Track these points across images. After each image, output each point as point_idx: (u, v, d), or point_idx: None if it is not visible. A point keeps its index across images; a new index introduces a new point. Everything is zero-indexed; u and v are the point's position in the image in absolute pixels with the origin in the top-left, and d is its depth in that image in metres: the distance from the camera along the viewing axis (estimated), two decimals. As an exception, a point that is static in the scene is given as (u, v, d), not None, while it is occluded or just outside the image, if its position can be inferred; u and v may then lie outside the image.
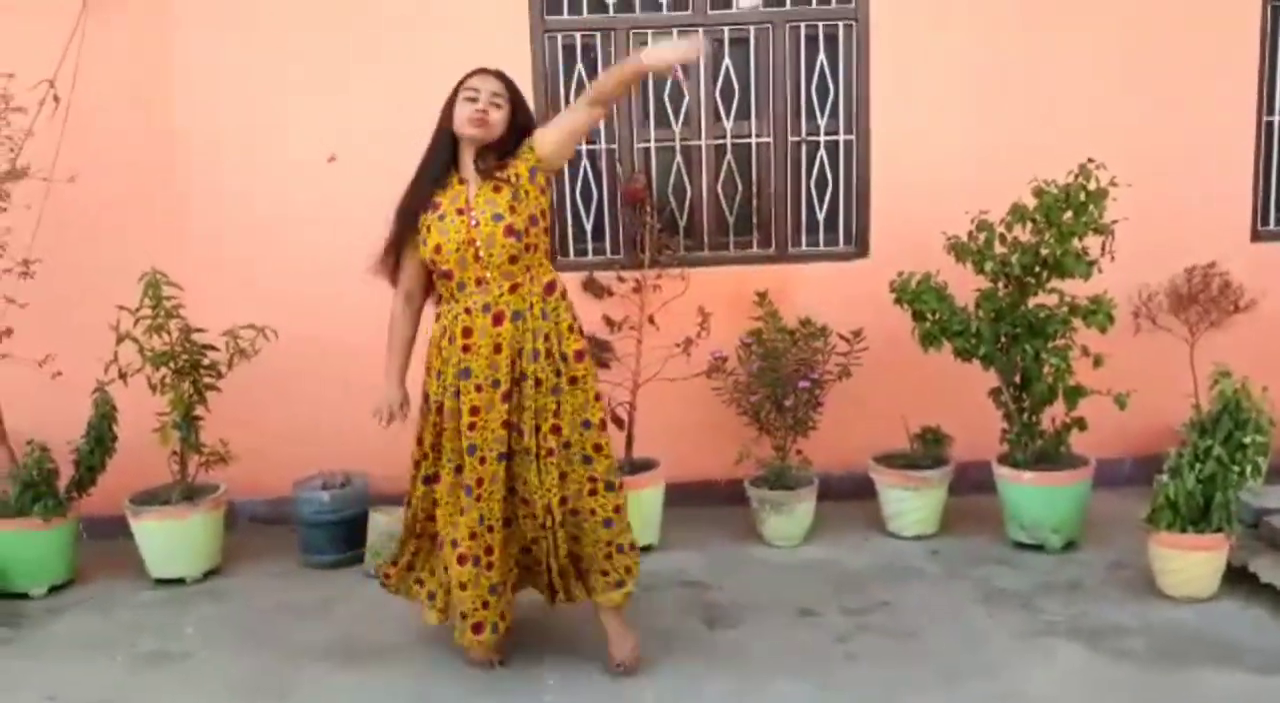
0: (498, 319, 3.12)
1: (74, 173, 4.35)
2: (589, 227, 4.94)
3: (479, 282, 3.13)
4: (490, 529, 3.19)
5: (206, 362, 4.29)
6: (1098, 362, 4.14)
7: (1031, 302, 4.25)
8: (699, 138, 4.84)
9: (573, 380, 3.19)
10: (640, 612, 3.64)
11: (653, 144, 4.87)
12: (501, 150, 3.19)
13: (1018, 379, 4.32)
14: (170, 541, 4.28)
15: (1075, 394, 4.22)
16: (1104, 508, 4.41)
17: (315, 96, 4.68)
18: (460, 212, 3.14)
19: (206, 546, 4.35)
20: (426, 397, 3.30)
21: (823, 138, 4.88)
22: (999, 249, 4.23)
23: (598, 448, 3.24)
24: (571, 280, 3.97)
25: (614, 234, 4.92)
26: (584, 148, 4.79)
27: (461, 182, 3.20)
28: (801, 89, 4.84)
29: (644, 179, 4.71)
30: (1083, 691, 3.18)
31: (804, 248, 4.93)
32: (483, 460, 3.15)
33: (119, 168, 4.60)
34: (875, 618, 3.73)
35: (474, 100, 3.13)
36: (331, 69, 4.67)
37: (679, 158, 4.88)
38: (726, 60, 4.80)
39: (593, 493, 3.25)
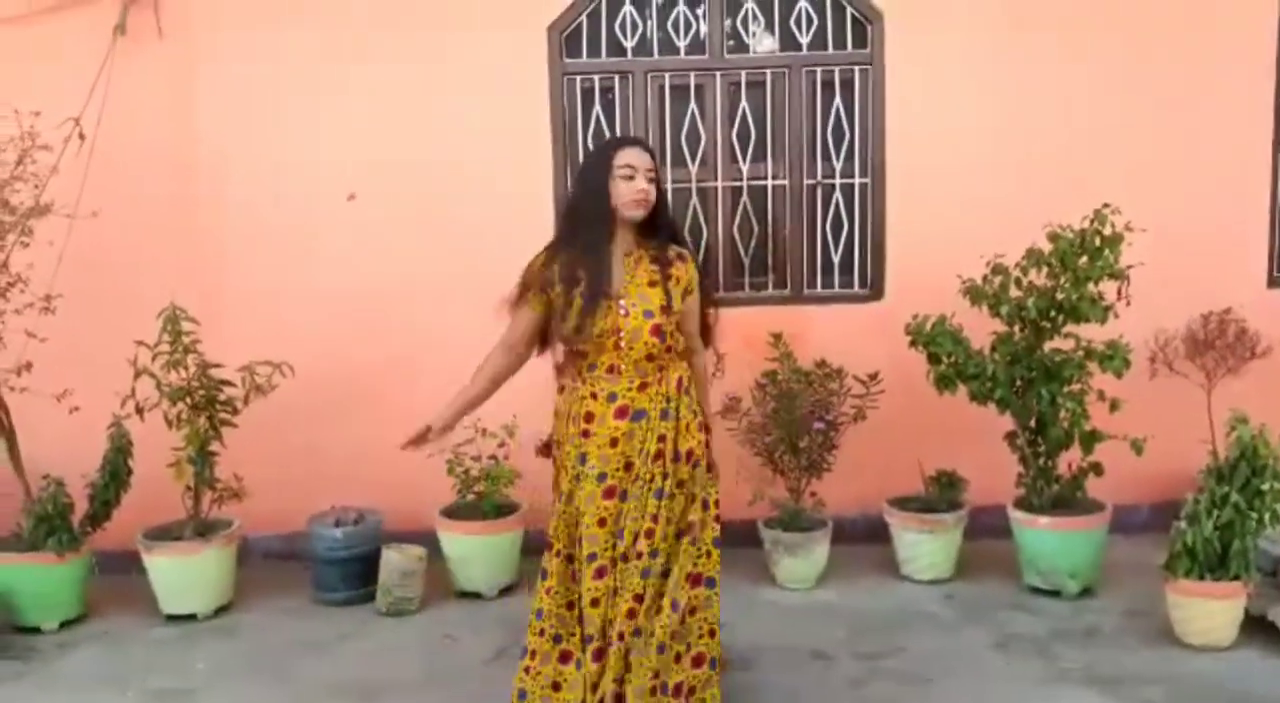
0: (620, 413, 2.99)
1: (97, 209, 4.39)
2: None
3: (611, 369, 3.00)
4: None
5: (223, 397, 4.31)
6: (1114, 406, 4.12)
7: (1047, 346, 4.24)
8: (715, 179, 4.87)
9: (679, 483, 3.02)
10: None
11: (669, 185, 4.89)
12: (664, 232, 3.11)
13: (1033, 423, 4.30)
14: (182, 576, 4.28)
15: (1091, 439, 4.20)
16: (1121, 554, 4.38)
17: (335, 134, 4.73)
18: (610, 298, 2.98)
19: (219, 581, 4.35)
20: (559, 470, 3.17)
21: (838, 180, 4.91)
22: (1014, 293, 4.23)
23: (693, 541, 3.05)
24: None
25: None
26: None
27: (610, 255, 3.04)
28: (817, 132, 4.87)
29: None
30: (1100, 740, 3.15)
31: (819, 289, 4.94)
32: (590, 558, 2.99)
33: (141, 204, 4.65)
34: (889, 663, 3.70)
35: (631, 178, 2.98)
36: (352, 108, 4.73)
37: (695, 199, 4.91)
38: (743, 103, 4.84)
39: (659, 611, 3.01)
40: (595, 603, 2.99)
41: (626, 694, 2.96)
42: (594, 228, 3.02)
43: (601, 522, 2.98)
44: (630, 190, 2.98)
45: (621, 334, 2.97)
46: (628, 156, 3.00)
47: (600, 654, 2.98)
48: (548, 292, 3.04)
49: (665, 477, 3.00)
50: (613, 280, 3.00)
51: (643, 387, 3.01)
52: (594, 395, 3.02)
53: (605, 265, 2.99)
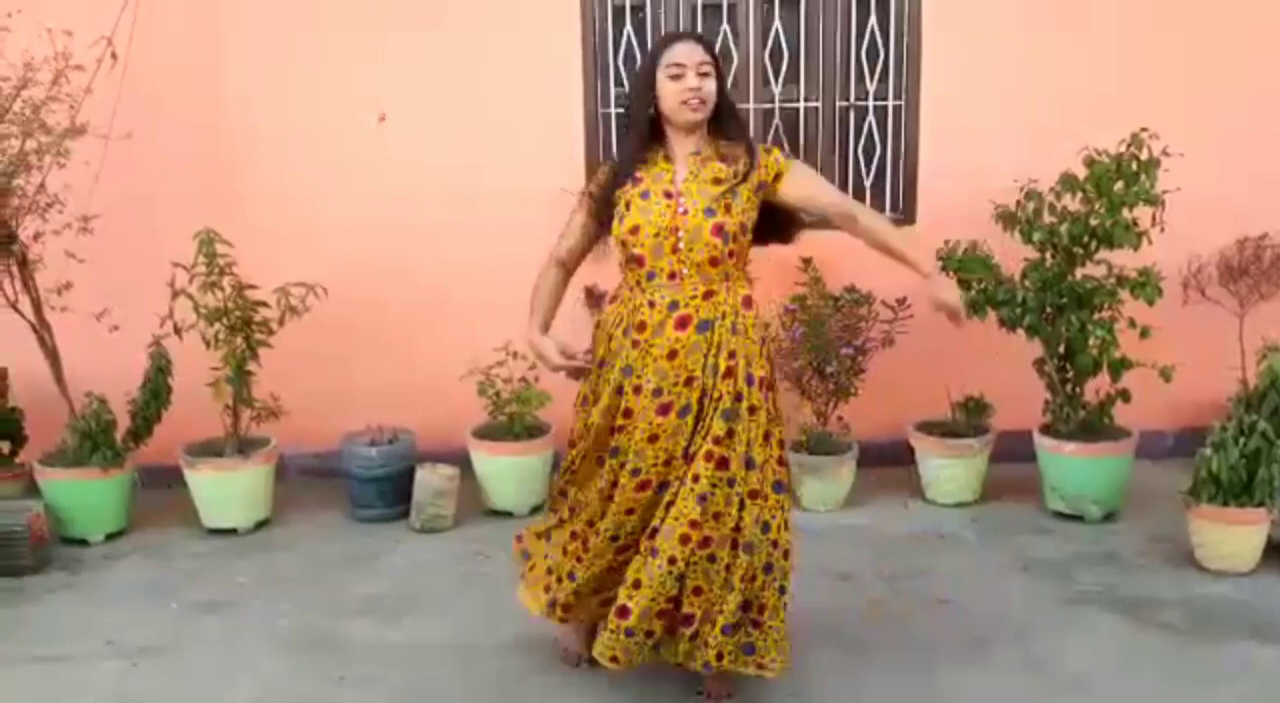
0: (681, 323, 2.78)
1: (131, 130, 4.42)
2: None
3: (672, 276, 2.79)
4: (595, 535, 2.95)
5: (258, 318, 4.37)
6: (1144, 333, 4.12)
7: (1079, 272, 4.23)
8: (746, 101, 4.82)
9: (751, 409, 2.82)
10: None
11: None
12: (726, 129, 2.88)
13: (1062, 350, 4.30)
14: (223, 491, 4.40)
15: (1120, 366, 4.20)
16: (1145, 480, 4.40)
17: (367, 56, 4.71)
18: (668, 195, 2.79)
19: (258, 497, 4.47)
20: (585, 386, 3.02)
21: (871, 103, 4.85)
22: (1047, 219, 4.20)
23: (754, 494, 2.82)
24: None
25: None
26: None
27: (668, 159, 2.86)
28: (851, 53, 4.80)
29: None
30: (1118, 661, 3.21)
31: (850, 214, 4.91)
32: (622, 465, 2.86)
33: (175, 126, 4.67)
34: (911, 583, 3.77)
35: (680, 77, 2.74)
36: (383, 29, 4.69)
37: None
38: (776, 23, 4.77)
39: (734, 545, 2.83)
40: (631, 511, 2.86)
41: (669, 611, 2.82)
42: (638, 134, 2.86)
43: (653, 438, 2.81)
44: (678, 90, 2.74)
45: (680, 234, 2.76)
46: (675, 53, 2.76)
47: (623, 557, 2.91)
48: (595, 196, 2.90)
49: (739, 397, 2.80)
50: (631, 175, 2.84)
51: (708, 295, 2.80)
52: (651, 304, 2.80)
53: (632, 160, 2.84)
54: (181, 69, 4.66)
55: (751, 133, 4.70)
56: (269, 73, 4.72)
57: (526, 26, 4.71)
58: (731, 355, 2.80)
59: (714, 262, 2.80)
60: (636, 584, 2.82)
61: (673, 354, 2.79)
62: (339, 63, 4.72)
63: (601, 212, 2.90)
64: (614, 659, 2.85)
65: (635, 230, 2.79)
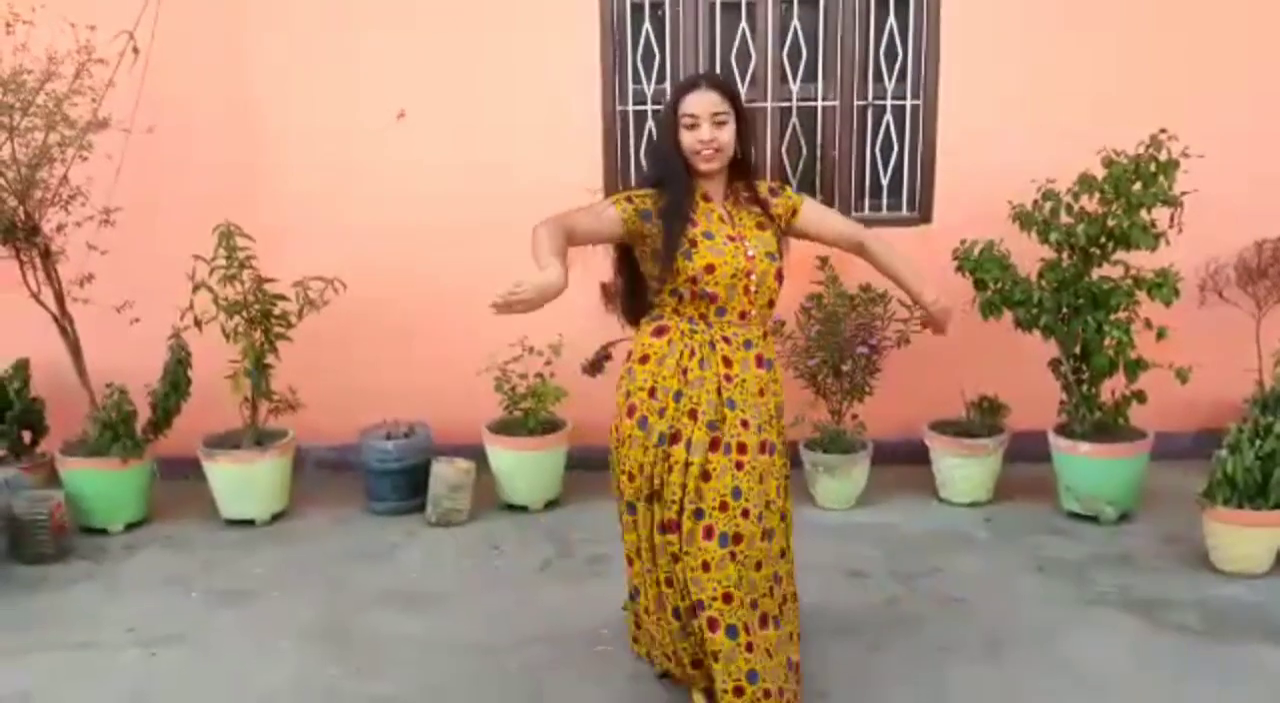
0: (760, 362, 2.85)
1: (152, 124, 4.46)
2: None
3: (743, 315, 2.83)
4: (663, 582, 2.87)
5: (277, 312, 4.40)
6: (1161, 334, 4.11)
7: (1095, 273, 4.22)
8: (765, 99, 4.83)
9: (781, 437, 2.95)
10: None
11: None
12: (745, 174, 2.93)
13: (1078, 351, 4.30)
14: (241, 483, 4.44)
15: (1136, 367, 4.20)
16: (1161, 481, 4.40)
17: (387, 54, 4.73)
18: (731, 239, 2.80)
19: (275, 489, 4.51)
20: (632, 429, 2.84)
21: (889, 102, 4.85)
22: (1064, 219, 4.20)
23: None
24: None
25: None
26: (650, 107, 4.81)
27: (706, 199, 2.86)
28: (870, 52, 4.80)
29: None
30: (1132, 661, 3.21)
31: (867, 213, 4.91)
32: (745, 514, 2.76)
33: (195, 120, 4.70)
34: (925, 583, 3.78)
35: (695, 127, 2.76)
36: (403, 27, 4.72)
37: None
38: (795, 21, 4.78)
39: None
40: (760, 566, 2.80)
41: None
42: (673, 176, 2.82)
43: (762, 477, 2.81)
44: (692, 141, 2.77)
45: (753, 277, 2.80)
46: (688, 103, 2.77)
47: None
48: (642, 219, 2.79)
49: (781, 433, 2.93)
50: (697, 219, 2.81)
51: (765, 336, 2.91)
52: (727, 341, 2.81)
53: (683, 204, 2.79)
54: (203, 64, 4.70)
55: (768, 132, 4.74)
56: (290, 69, 4.75)
57: (546, 25, 4.73)
58: (776, 393, 2.93)
59: (771, 303, 2.91)
60: (792, 636, 2.94)
61: (761, 392, 2.85)
62: (360, 59, 4.74)
63: (638, 232, 2.81)
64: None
65: (711, 269, 2.76)
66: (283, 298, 4.40)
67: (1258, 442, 3.66)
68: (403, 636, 3.46)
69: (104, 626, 3.57)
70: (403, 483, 4.54)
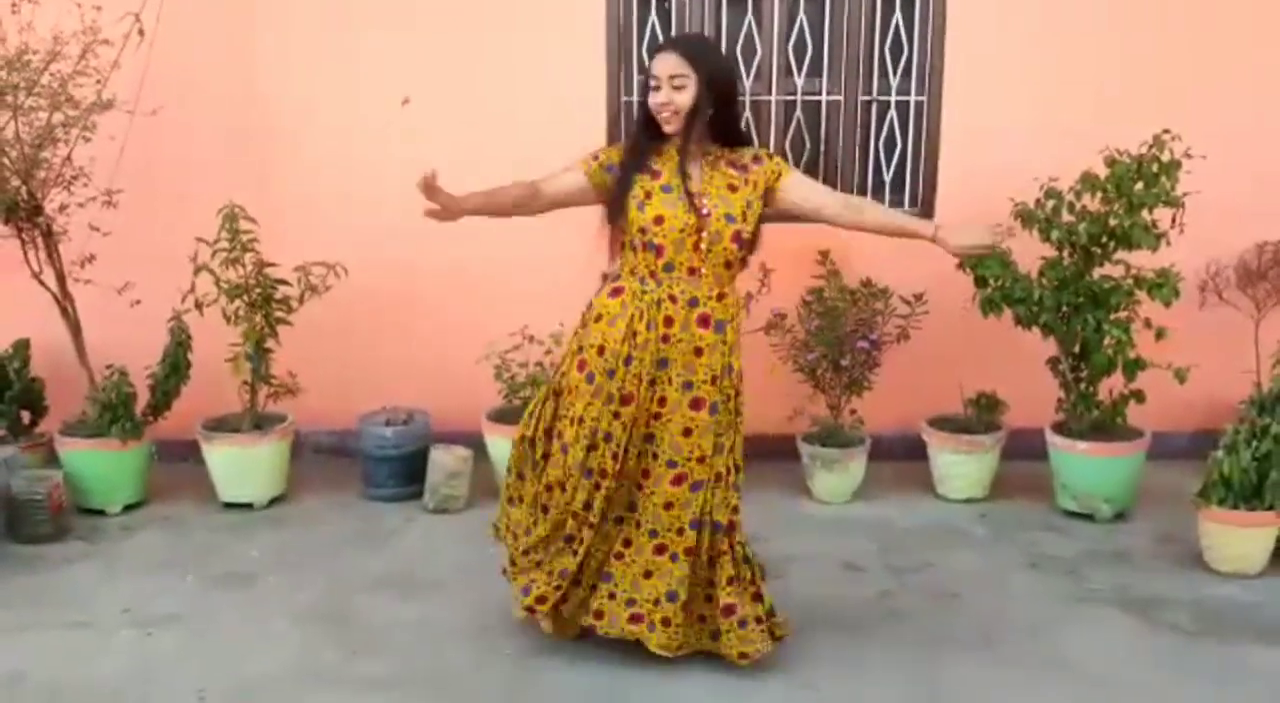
0: (702, 321, 2.93)
1: (157, 106, 4.46)
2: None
3: (692, 271, 2.91)
4: (588, 525, 3.01)
5: (278, 296, 4.40)
6: (1160, 335, 4.12)
7: (1096, 272, 4.23)
8: (769, 93, 4.83)
9: (726, 399, 3.00)
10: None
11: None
12: (714, 126, 2.97)
13: (1077, 349, 4.31)
14: (240, 466, 4.44)
15: (1135, 366, 4.21)
16: (1157, 481, 4.41)
17: (393, 40, 4.73)
18: (689, 193, 2.89)
19: (274, 473, 4.51)
20: (566, 376, 3.06)
21: (894, 98, 4.85)
22: (1066, 218, 4.20)
23: (718, 477, 3.00)
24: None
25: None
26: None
27: (680, 152, 2.94)
28: (875, 48, 4.80)
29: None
30: (1125, 659, 3.23)
31: (869, 208, 4.92)
32: (655, 457, 2.97)
33: (200, 103, 4.70)
34: (919, 577, 3.79)
35: (657, 88, 2.88)
36: (410, 11, 4.71)
37: (747, 113, 4.88)
38: (801, 15, 4.78)
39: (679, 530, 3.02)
40: (669, 506, 2.98)
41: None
42: (643, 129, 2.98)
43: (687, 432, 2.94)
44: (653, 102, 2.89)
45: (703, 234, 2.88)
46: (653, 65, 2.91)
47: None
48: (607, 172, 2.97)
49: (736, 394, 3.01)
50: (644, 165, 2.95)
51: (720, 297, 2.95)
52: (673, 299, 2.92)
53: (639, 153, 2.96)
54: (208, 46, 4.69)
55: (772, 126, 4.74)
56: (295, 52, 4.74)
57: (552, 15, 4.72)
58: (736, 357, 3.01)
59: (728, 265, 2.95)
60: (731, 580, 3.03)
61: (699, 351, 2.93)
62: (365, 49, 4.73)
63: (615, 192, 2.96)
64: (743, 655, 3.05)
65: (659, 220, 2.89)
66: (284, 282, 4.40)
67: (1254, 443, 3.67)
68: (399, 620, 3.47)
69: (100, 606, 3.58)
70: (401, 470, 4.55)
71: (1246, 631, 3.38)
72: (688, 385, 2.93)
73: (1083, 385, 4.34)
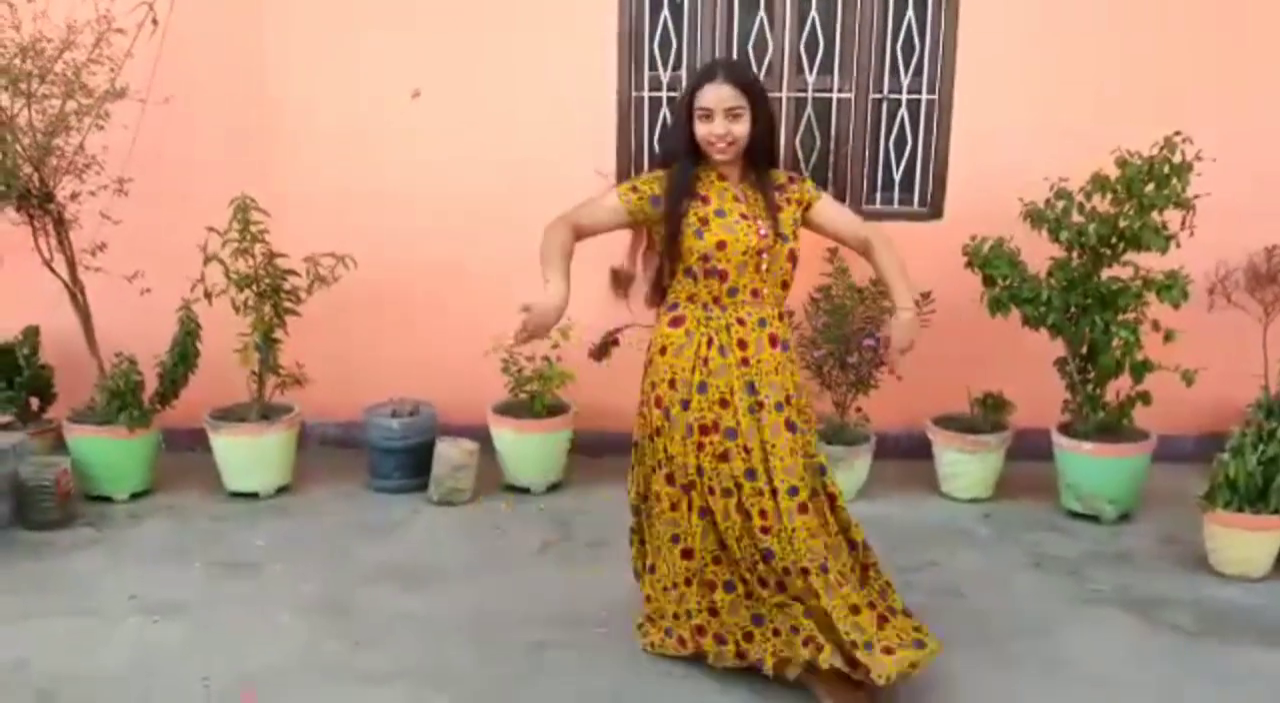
0: (773, 341, 2.94)
1: (169, 95, 4.47)
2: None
3: (755, 293, 2.91)
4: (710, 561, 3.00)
5: (287, 286, 4.42)
6: (1168, 337, 4.11)
7: (1105, 273, 4.22)
8: (780, 90, 4.82)
9: (805, 417, 3.02)
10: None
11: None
12: (759, 162, 2.97)
13: (1084, 350, 4.30)
14: (246, 456, 4.46)
15: (1142, 368, 4.20)
16: (1162, 483, 4.40)
17: (405, 31, 4.74)
18: (744, 217, 2.89)
19: (280, 463, 4.53)
20: (660, 419, 2.96)
21: (905, 96, 4.85)
22: (1076, 218, 4.20)
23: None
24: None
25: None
26: (666, 95, 4.82)
27: (723, 179, 2.95)
28: (887, 46, 4.80)
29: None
30: (1127, 658, 3.23)
31: (878, 206, 4.92)
32: (774, 492, 2.88)
33: (212, 93, 4.71)
34: (923, 576, 3.79)
35: (708, 118, 2.84)
36: (421, 10, 4.72)
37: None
38: (813, 13, 4.77)
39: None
40: (809, 534, 2.90)
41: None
42: (684, 160, 2.92)
43: (792, 451, 2.90)
44: (705, 133, 2.85)
45: (764, 255, 2.88)
46: (704, 96, 2.84)
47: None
48: (651, 204, 2.91)
49: (803, 411, 3.00)
50: (694, 193, 2.91)
51: (780, 316, 2.99)
52: (741, 322, 2.91)
53: (688, 182, 2.91)
54: (220, 36, 4.71)
55: (783, 123, 4.73)
56: (307, 43, 4.76)
57: (565, 11, 4.73)
58: (793, 373, 3.00)
59: (784, 285, 2.98)
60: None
61: (777, 370, 2.93)
62: (377, 36, 4.74)
63: (645, 216, 2.93)
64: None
65: (722, 246, 2.86)
66: (293, 273, 4.41)
67: (1260, 446, 3.67)
68: (402, 612, 3.48)
69: (106, 593, 3.60)
70: (407, 462, 4.56)
71: (1248, 632, 3.38)
72: (779, 406, 2.91)
73: (1089, 386, 4.34)
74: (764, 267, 2.90)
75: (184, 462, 4.66)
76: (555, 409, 4.62)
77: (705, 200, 2.91)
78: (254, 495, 4.47)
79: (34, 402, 4.68)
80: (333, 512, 4.37)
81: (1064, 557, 3.97)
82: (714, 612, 3.01)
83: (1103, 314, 4.18)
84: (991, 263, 4.26)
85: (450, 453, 4.42)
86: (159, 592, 3.60)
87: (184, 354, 4.47)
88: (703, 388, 2.89)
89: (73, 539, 4.04)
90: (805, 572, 2.84)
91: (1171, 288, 4.10)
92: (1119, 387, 4.32)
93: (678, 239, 2.89)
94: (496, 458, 4.62)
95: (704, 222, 2.87)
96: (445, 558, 3.92)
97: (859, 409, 4.59)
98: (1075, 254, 4.24)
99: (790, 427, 2.91)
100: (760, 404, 2.89)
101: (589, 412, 4.65)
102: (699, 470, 2.91)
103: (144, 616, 3.43)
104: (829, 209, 3.10)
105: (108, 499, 4.39)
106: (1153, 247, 4.07)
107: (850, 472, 4.50)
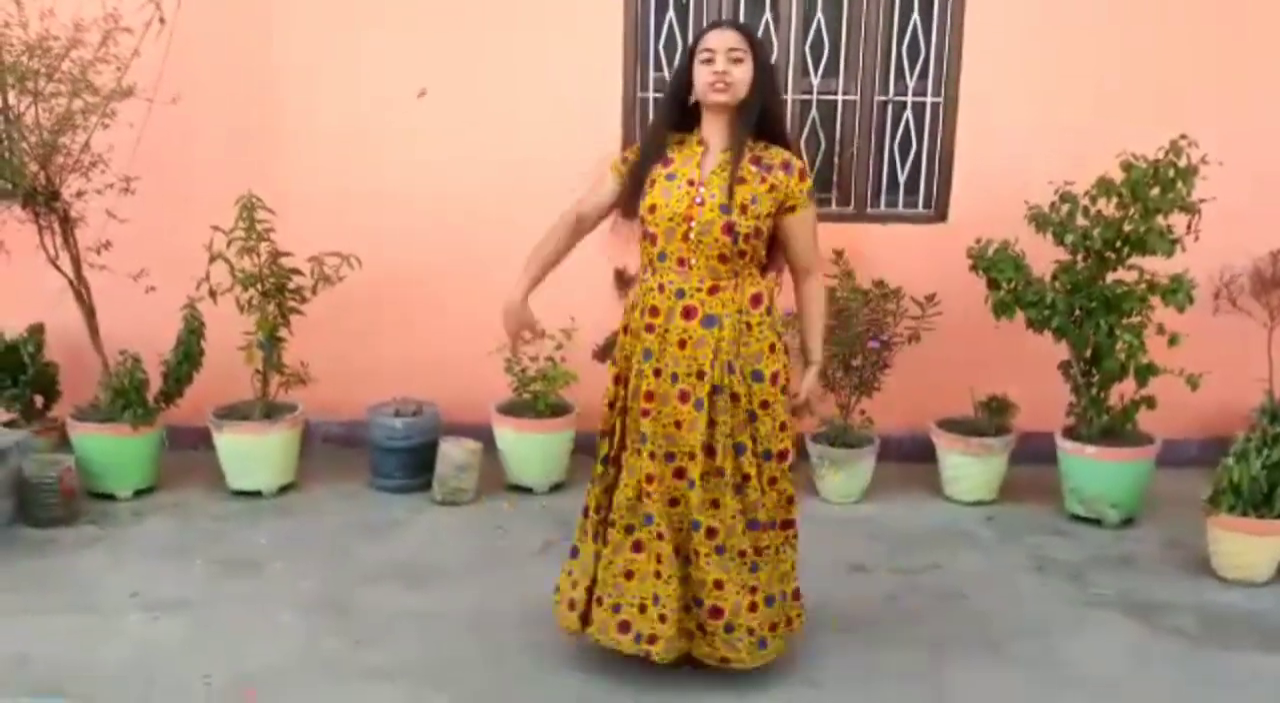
0: (687, 313, 2.84)
1: (176, 94, 4.47)
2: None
3: (681, 262, 2.84)
4: (659, 537, 2.91)
5: (292, 285, 4.42)
6: (1173, 341, 4.10)
7: (1110, 277, 4.22)
8: (785, 92, 4.83)
9: (764, 405, 2.88)
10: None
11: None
12: (748, 117, 2.84)
13: (1089, 354, 4.30)
14: (250, 454, 4.47)
15: (1147, 372, 4.19)
16: (1166, 487, 4.39)
17: (411, 31, 4.74)
18: (690, 182, 2.83)
19: (283, 461, 4.53)
20: (614, 362, 3.04)
21: (910, 99, 4.85)
22: (1081, 222, 4.19)
23: (772, 482, 2.97)
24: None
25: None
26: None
27: (701, 143, 2.88)
28: (893, 48, 4.80)
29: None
30: (1129, 662, 3.22)
31: (883, 209, 4.92)
32: (651, 456, 2.88)
33: (218, 92, 4.72)
34: (926, 578, 3.79)
35: (710, 61, 2.77)
36: (426, 11, 4.72)
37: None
38: (819, 15, 4.77)
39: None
40: (674, 502, 2.90)
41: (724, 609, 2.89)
42: (668, 111, 2.92)
43: (678, 424, 2.87)
44: (705, 73, 2.77)
45: (693, 224, 2.80)
46: (708, 39, 2.79)
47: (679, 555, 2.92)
48: (628, 165, 2.95)
49: (751, 397, 2.86)
50: (660, 154, 2.89)
51: (713, 290, 2.84)
52: (661, 288, 2.87)
53: (658, 140, 2.91)
54: (227, 35, 4.72)
55: (789, 127, 4.74)
56: (313, 42, 4.76)
57: (570, 11, 4.73)
58: (739, 354, 2.85)
59: (723, 258, 2.83)
60: (719, 584, 2.90)
61: (682, 343, 2.86)
62: (379, 36, 4.75)
63: (629, 182, 2.95)
64: (724, 660, 2.95)
65: (653, 209, 2.86)
66: (298, 272, 4.42)
67: (1265, 451, 3.66)
68: (404, 610, 3.48)
69: (108, 590, 3.60)
70: (410, 461, 4.56)
71: (1250, 637, 3.38)
72: (674, 377, 2.86)
73: (1094, 390, 4.33)
74: (691, 235, 2.81)
75: (187, 460, 4.67)
76: (558, 409, 4.62)
77: (667, 161, 2.89)
78: (257, 494, 4.47)
79: (38, 399, 4.68)
80: (335, 511, 4.37)
81: (1067, 560, 3.96)
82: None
83: (1107, 318, 4.17)
84: (996, 266, 4.26)
85: (453, 452, 4.42)
86: (161, 589, 3.60)
87: (188, 352, 4.48)
88: (646, 355, 2.90)
89: (75, 537, 4.05)
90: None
91: (1176, 292, 4.09)
92: (1123, 390, 4.31)
93: (634, 199, 2.91)
94: (499, 458, 4.62)
95: (652, 183, 2.87)
96: (447, 557, 3.92)
97: (863, 412, 4.59)
98: (1080, 257, 4.23)
99: (682, 397, 2.85)
100: (658, 371, 2.87)
101: (592, 412, 4.63)
102: (617, 426, 3.01)
103: (145, 613, 3.44)
104: (799, 225, 2.93)
105: (111, 497, 4.40)
106: (1158, 250, 4.07)
107: (854, 474, 4.50)
